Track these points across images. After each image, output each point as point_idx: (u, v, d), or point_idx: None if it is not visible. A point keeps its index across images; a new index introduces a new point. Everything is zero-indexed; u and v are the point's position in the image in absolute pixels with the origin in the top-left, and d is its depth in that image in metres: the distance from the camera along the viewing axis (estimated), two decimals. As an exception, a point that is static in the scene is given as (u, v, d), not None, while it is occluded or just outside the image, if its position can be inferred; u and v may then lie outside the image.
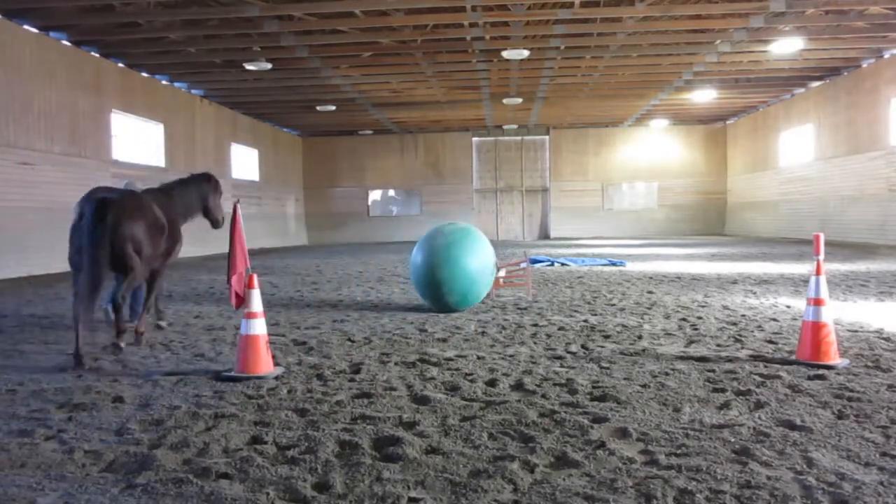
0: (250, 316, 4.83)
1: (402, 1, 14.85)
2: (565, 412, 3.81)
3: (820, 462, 3.01)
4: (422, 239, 8.15)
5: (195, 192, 7.16)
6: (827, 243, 17.08)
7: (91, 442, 3.49)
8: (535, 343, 5.94)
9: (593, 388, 4.35)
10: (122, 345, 5.84)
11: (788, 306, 7.83)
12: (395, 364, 5.19)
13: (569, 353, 5.48)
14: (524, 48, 18.05)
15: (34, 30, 15.49)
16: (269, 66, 19.29)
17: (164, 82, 21.40)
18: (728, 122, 33.13)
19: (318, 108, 26.37)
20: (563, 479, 2.90)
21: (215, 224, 7.47)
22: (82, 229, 5.75)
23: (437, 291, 7.69)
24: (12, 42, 14.79)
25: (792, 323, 6.64)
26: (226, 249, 5.47)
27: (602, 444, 3.28)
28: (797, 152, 26.16)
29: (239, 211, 5.34)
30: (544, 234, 34.31)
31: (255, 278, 4.98)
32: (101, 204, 5.75)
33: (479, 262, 7.73)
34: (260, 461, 3.15)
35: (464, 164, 34.26)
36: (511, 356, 5.39)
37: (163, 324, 7.19)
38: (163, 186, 7.08)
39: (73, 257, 5.92)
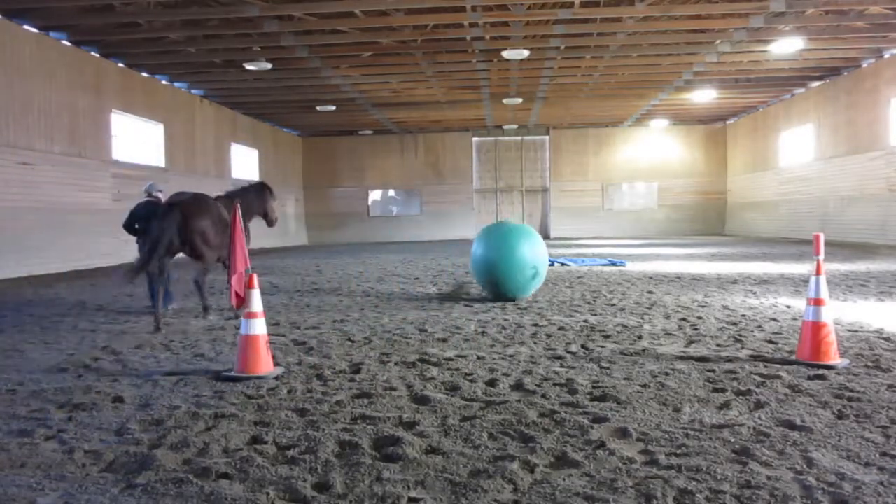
0: (250, 316, 4.83)
1: (402, 1, 14.85)
2: (565, 412, 3.81)
3: (820, 462, 3.01)
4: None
5: (255, 196, 8.67)
6: (827, 243, 17.07)
7: (91, 442, 3.49)
8: (535, 343, 5.94)
9: (593, 388, 4.35)
10: (212, 316, 7.62)
11: (788, 306, 7.83)
12: (395, 364, 5.18)
13: (569, 353, 5.48)
14: (524, 48, 18.05)
15: (34, 30, 15.50)
16: (269, 66, 19.29)
17: (164, 82, 21.40)
18: (728, 122, 33.13)
19: (318, 108, 26.37)
20: (563, 479, 2.90)
21: (271, 223, 9.11)
22: (156, 220, 7.33)
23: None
24: (12, 42, 14.79)
25: (792, 323, 6.64)
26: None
27: (602, 444, 3.28)
28: (797, 152, 26.17)
29: (239, 211, 5.35)
30: (544, 234, 34.30)
31: (255, 278, 4.98)
32: (172, 205, 7.40)
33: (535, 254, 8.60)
34: (260, 461, 3.15)
35: (464, 164, 34.27)
36: (511, 356, 5.39)
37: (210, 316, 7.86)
38: (228, 192, 8.59)
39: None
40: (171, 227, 7.23)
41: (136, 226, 8.53)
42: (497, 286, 8.60)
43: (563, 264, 14.76)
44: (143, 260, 7.12)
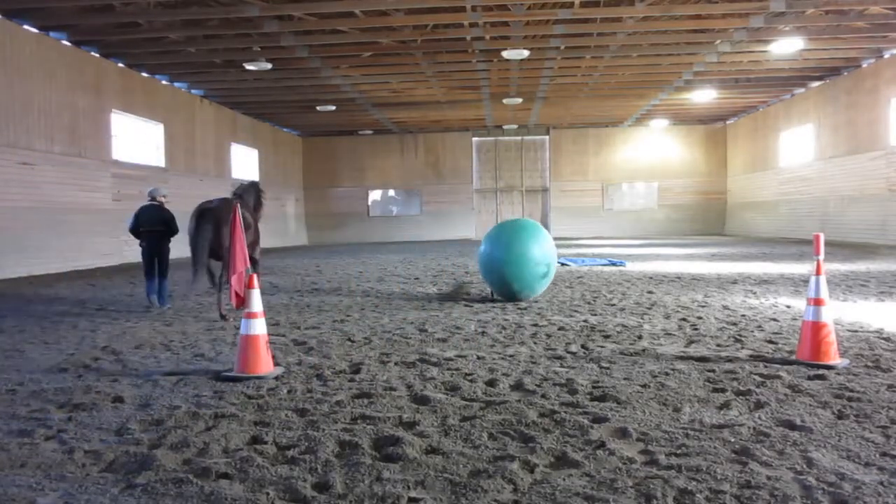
0: (250, 316, 4.83)
1: (402, 1, 14.85)
2: (565, 412, 3.81)
3: (820, 462, 3.01)
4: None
5: (255, 196, 9.07)
6: (827, 243, 17.06)
7: (91, 442, 3.49)
8: (535, 343, 5.94)
9: (593, 388, 4.35)
10: (230, 318, 7.61)
11: (788, 306, 7.83)
12: (395, 364, 5.18)
13: (569, 353, 5.48)
14: (524, 48, 18.05)
15: (34, 30, 15.50)
16: (269, 66, 19.29)
17: (164, 82, 21.40)
18: (728, 122, 33.13)
19: (318, 108, 26.37)
20: (563, 479, 2.90)
21: (257, 221, 9.28)
22: (192, 230, 8.00)
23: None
24: (12, 42, 14.79)
25: (792, 323, 6.64)
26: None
27: (602, 444, 3.28)
28: (797, 152, 26.17)
29: (239, 211, 5.35)
30: (544, 234, 34.23)
31: (256, 278, 4.98)
32: (204, 212, 7.97)
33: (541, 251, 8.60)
34: (260, 461, 3.15)
35: (464, 164, 34.27)
36: (511, 356, 5.39)
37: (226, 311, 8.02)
38: (239, 193, 8.87)
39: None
40: (208, 233, 7.84)
41: (141, 229, 8.83)
42: (507, 285, 8.53)
43: (563, 264, 14.76)
44: (194, 270, 7.88)
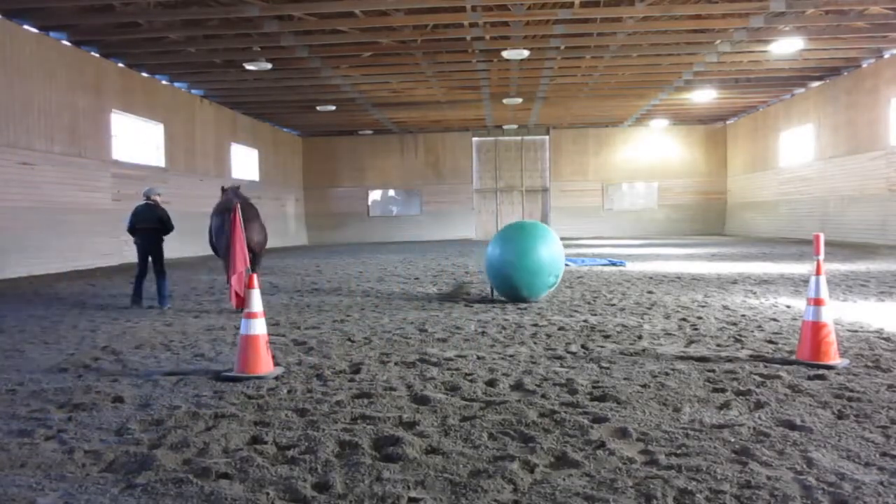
0: (250, 316, 4.83)
1: (402, 1, 14.85)
2: (565, 412, 3.81)
3: (820, 462, 3.01)
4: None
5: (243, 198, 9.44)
6: (827, 243, 17.07)
7: (91, 442, 3.49)
8: (535, 343, 5.94)
9: (593, 388, 4.35)
10: None
11: (788, 306, 7.83)
12: (395, 364, 5.18)
13: (569, 353, 5.48)
14: (524, 48, 18.05)
15: (34, 30, 15.49)
16: (269, 66, 19.29)
17: (164, 82, 21.40)
18: (728, 122, 33.13)
19: (318, 108, 26.37)
20: (563, 479, 2.90)
21: None
22: (222, 229, 8.53)
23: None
24: (12, 42, 14.79)
25: (792, 323, 6.64)
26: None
27: (602, 444, 3.28)
28: (797, 152, 26.17)
29: (238, 211, 5.36)
30: (544, 234, 34.21)
31: (255, 278, 4.99)
32: (231, 211, 8.28)
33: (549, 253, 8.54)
34: (260, 461, 3.15)
35: (464, 164, 34.26)
36: (511, 356, 5.39)
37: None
38: (242, 195, 9.31)
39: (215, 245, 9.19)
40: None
41: (136, 227, 9.06)
42: (515, 289, 8.48)
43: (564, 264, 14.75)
44: (224, 260, 8.42)
